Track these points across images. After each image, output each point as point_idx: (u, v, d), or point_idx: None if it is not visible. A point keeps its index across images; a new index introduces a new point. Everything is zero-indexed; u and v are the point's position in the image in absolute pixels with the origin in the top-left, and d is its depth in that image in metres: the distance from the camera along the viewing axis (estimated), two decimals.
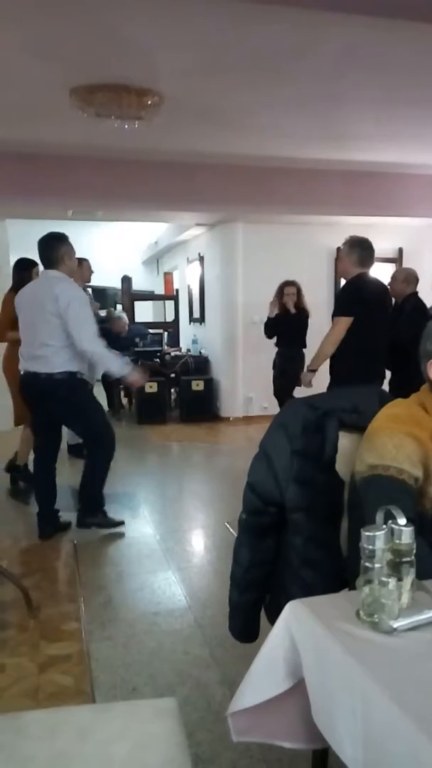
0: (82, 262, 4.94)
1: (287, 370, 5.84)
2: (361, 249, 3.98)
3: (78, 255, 3.89)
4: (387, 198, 6.44)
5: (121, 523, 3.88)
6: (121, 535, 3.80)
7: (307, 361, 4.70)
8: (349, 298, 3.94)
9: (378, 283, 4.11)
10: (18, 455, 4.73)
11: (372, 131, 4.99)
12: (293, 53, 3.49)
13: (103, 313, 8.29)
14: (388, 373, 4.26)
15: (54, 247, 3.60)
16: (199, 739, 1.90)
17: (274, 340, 5.98)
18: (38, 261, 4.28)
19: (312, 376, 4.21)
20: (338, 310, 3.95)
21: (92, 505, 3.82)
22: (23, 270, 4.59)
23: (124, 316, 8.73)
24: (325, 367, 4.08)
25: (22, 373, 3.70)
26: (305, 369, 4.37)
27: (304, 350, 5.79)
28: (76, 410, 3.64)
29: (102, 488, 3.84)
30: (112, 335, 7.79)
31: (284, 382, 5.89)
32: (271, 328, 5.92)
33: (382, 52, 3.48)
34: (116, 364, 3.67)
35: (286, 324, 5.87)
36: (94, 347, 3.54)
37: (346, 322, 3.84)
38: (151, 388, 7.47)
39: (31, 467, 4.60)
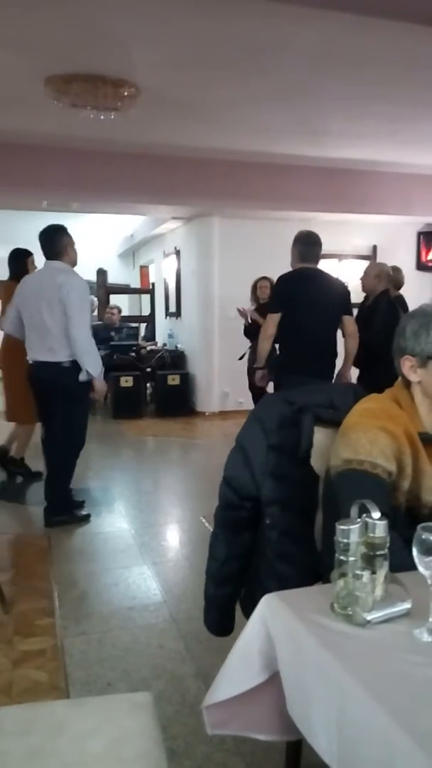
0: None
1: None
2: (301, 244, 3.93)
3: None
4: (362, 195, 6.49)
5: (87, 516, 3.90)
6: (94, 527, 3.79)
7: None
8: (274, 295, 3.98)
9: (321, 278, 3.97)
10: (15, 448, 4.78)
11: (348, 128, 5.03)
12: (270, 48, 3.49)
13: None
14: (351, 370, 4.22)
15: (56, 239, 3.69)
16: (174, 733, 1.91)
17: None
18: (31, 251, 4.47)
19: (261, 373, 4.17)
20: (268, 308, 4.01)
21: (60, 503, 3.83)
22: (19, 259, 4.68)
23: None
24: None
25: (30, 362, 3.77)
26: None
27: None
28: (70, 400, 3.70)
29: (69, 485, 3.87)
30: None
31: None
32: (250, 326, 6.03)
33: (357, 49, 3.50)
34: (94, 364, 3.64)
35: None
36: (83, 335, 3.59)
37: (272, 318, 3.87)
38: (127, 382, 7.44)
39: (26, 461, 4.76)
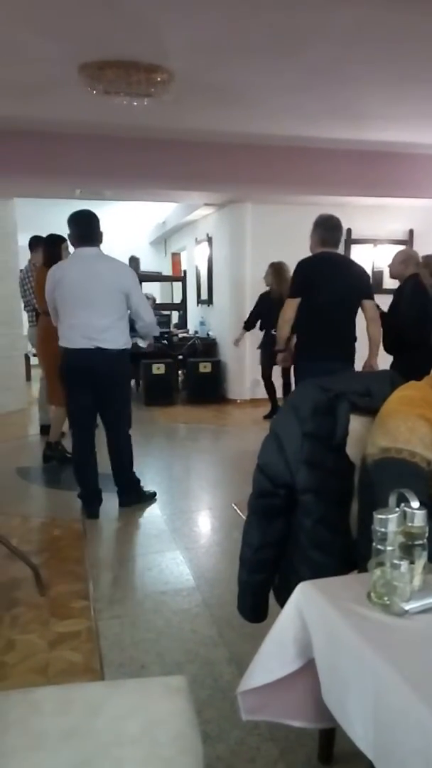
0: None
1: (263, 351, 6.35)
2: (323, 228, 3.86)
3: None
4: (398, 179, 6.35)
5: (154, 494, 4.06)
6: (127, 513, 3.84)
7: None
8: (294, 280, 3.90)
9: (336, 261, 3.91)
10: (50, 433, 4.89)
11: (383, 111, 4.91)
12: (304, 31, 3.43)
13: None
14: (387, 357, 4.17)
15: (96, 225, 3.72)
16: (207, 717, 1.92)
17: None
18: (66, 237, 4.38)
19: (283, 355, 4.26)
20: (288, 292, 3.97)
21: (134, 483, 3.94)
22: (54, 246, 4.70)
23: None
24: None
25: (74, 348, 3.64)
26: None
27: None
28: (126, 384, 3.86)
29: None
30: None
31: (263, 363, 6.36)
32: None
33: (392, 29, 3.41)
34: (154, 324, 4.01)
35: (264, 306, 6.31)
36: (151, 317, 3.80)
37: (291, 303, 3.83)
38: (159, 369, 7.47)
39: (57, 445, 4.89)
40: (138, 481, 3.97)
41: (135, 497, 3.91)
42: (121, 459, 3.87)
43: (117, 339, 3.64)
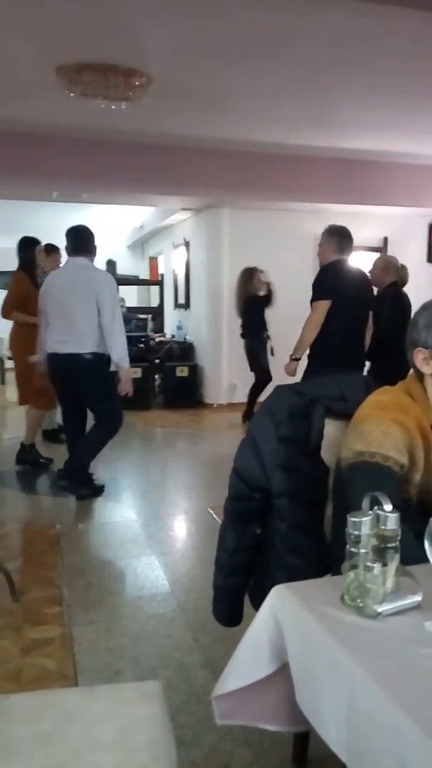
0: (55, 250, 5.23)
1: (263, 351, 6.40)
2: (339, 236, 3.98)
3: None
4: (373, 187, 6.44)
5: (103, 487, 4.18)
6: (102, 517, 3.82)
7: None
8: (325, 283, 3.90)
9: (357, 271, 4.07)
10: (25, 435, 4.85)
11: (360, 119, 4.98)
12: (282, 38, 3.46)
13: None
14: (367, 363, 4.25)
15: (90, 239, 3.96)
16: (181, 722, 1.92)
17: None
18: (39, 239, 4.78)
19: (295, 365, 4.13)
20: (315, 295, 3.90)
21: (77, 471, 4.07)
22: (29, 248, 4.75)
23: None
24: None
25: (52, 353, 3.93)
26: (289, 358, 4.17)
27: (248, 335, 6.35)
28: (99, 388, 3.95)
29: (91, 459, 4.11)
30: None
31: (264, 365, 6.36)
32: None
33: (369, 38, 3.46)
34: (123, 354, 3.87)
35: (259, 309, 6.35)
36: (117, 328, 3.84)
37: (324, 305, 3.81)
38: (135, 374, 7.43)
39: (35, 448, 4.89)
40: (90, 475, 4.14)
41: (87, 490, 4.07)
42: (84, 443, 4.05)
43: (88, 344, 3.82)
